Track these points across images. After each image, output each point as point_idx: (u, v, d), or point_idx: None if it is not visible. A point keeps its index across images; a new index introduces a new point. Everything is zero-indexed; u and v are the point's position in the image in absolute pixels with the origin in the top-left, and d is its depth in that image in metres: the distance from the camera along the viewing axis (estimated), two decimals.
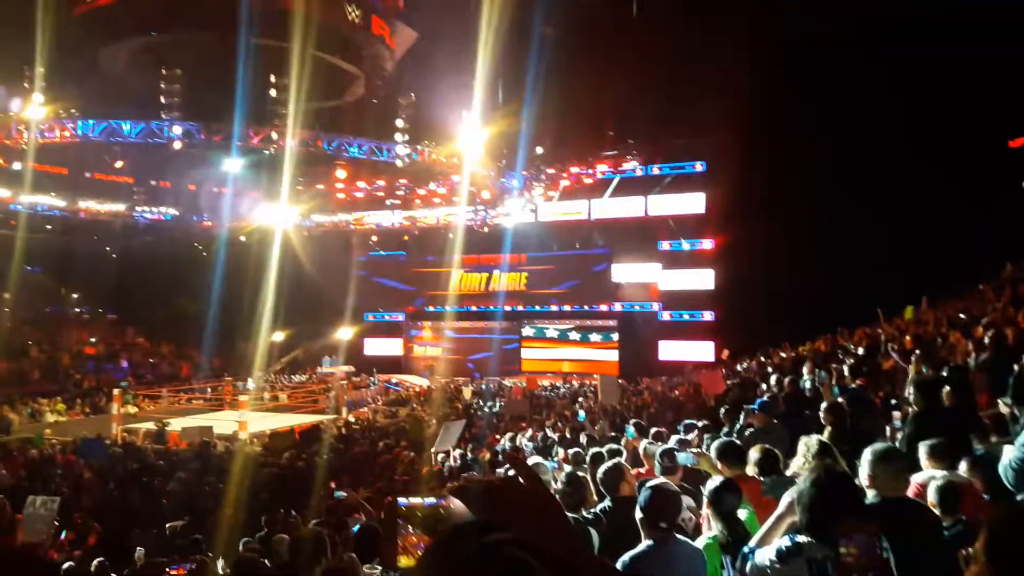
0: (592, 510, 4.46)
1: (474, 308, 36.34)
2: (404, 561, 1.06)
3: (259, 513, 9.41)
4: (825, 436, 5.64)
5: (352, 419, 21.59)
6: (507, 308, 36.20)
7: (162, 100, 19.02)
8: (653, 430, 9.91)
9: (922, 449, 4.14)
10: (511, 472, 1.00)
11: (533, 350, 36.01)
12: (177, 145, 19.02)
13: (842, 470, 4.48)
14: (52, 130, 19.93)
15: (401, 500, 1.13)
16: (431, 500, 1.10)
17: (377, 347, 37.92)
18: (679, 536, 3.47)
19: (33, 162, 22.26)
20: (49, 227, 29.15)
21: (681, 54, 27.08)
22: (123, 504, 10.85)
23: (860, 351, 12.44)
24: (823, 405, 6.96)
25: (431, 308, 37.75)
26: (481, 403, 23.64)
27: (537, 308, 35.91)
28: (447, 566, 0.79)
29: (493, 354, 35.74)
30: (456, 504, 1.00)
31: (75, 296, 34.82)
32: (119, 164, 20.96)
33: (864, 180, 23.92)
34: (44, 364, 28.02)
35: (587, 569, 0.90)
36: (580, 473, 5.08)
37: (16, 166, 23.05)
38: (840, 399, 7.68)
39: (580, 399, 22.22)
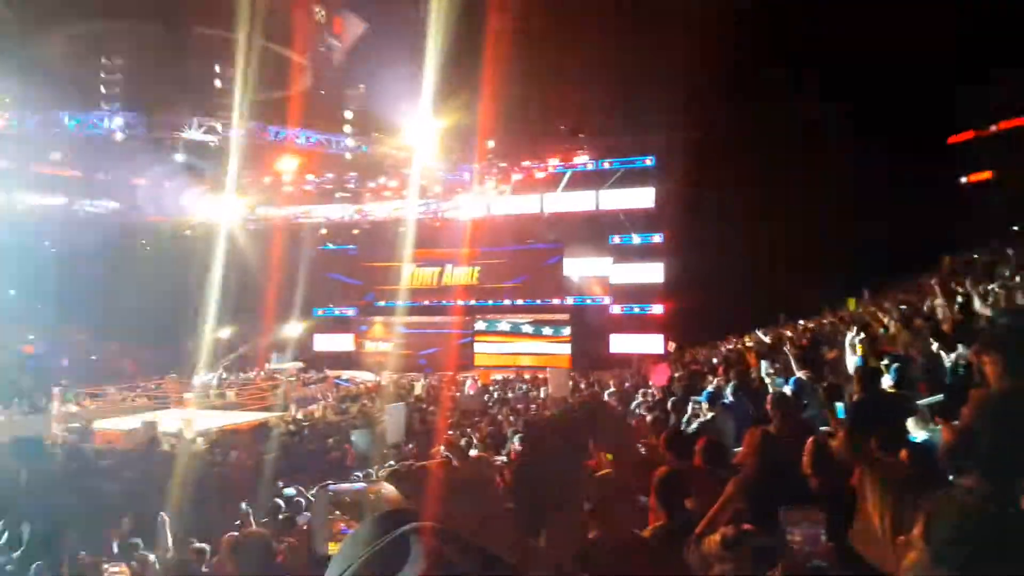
0: None
1: (426, 303, 36.10)
2: (332, 547, 1.03)
3: (207, 513, 9.22)
4: (771, 426, 5.74)
5: (300, 416, 21.30)
6: (459, 302, 36.09)
7: (102, 90, 18.48)
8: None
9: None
10: (447, 455, 0.98)
11: (486, 345, 35.94)
12: (119, 136, 18.49)
13: (786, 459, 4.56)
14: None
15: (331, 486, 1.10)
16: (360, 485, 1.07)
17: (327, 343, 37.44)
18: None
19: None
20: None
21: (629, 49, 27.30)
22: (61, 506, 10.51)
23: (804, 342, 12.70)
24: (769, 396, 7.09)
25: (382, 303, 37.40)
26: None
27: (490, 302, 35.84)
28: (364, 554, 0.76)
29: (445, 349, 35.61)
30: (387, 489, 0.97)
31: (12, 292, 33.59)
32: (56, 155, 20.31)
33: (810, 175, 24.46)
34: None
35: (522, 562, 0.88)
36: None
37: None
38: (786, 389, 7.82)
39: (532, 392, 22.31)
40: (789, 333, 15.96)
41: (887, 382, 5.87)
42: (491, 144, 28.29)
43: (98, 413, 22.07)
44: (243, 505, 7.47)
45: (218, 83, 18.45)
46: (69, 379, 26.27)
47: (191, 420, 18.88)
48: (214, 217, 25.62)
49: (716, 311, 24.02)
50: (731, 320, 21.52)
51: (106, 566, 3.21)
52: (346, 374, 32.25)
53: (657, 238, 32.54)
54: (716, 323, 22.82)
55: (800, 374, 8.92)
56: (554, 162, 31.53)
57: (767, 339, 16.76)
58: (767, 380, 9.26)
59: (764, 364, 10.92)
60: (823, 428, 5.41)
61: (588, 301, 34.14)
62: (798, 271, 22.87)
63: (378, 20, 27.60)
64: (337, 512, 1.07)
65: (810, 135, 24.04)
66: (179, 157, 20.63)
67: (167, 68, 21.17)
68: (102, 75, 18.75)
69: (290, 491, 7.72)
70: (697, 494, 4.23)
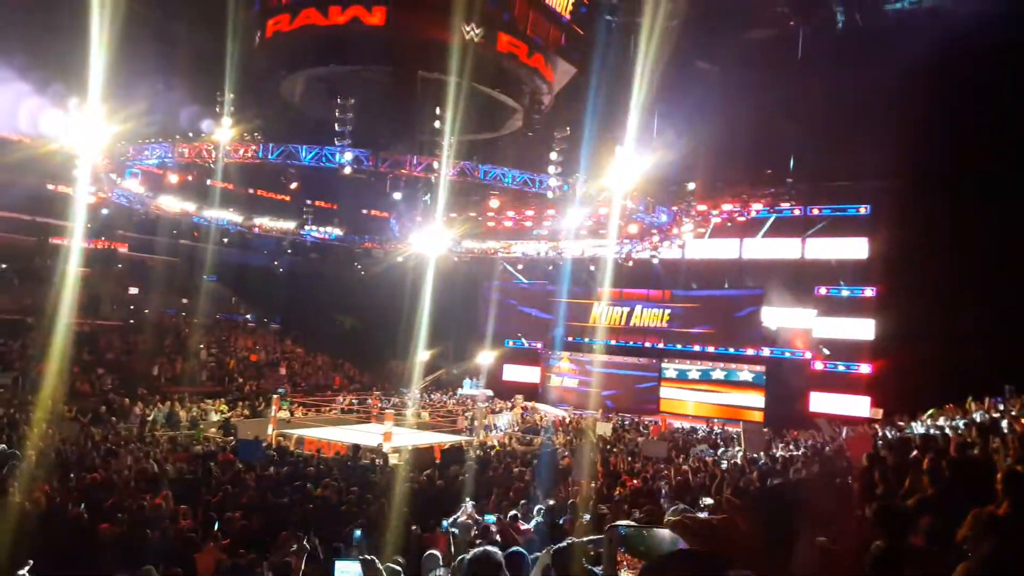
0: None
1: (613, 342, 35.97)
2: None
3: (400, 526, 9.71)
4: (1000, 509, 5.18)
5: (489, 443, 21.91)
6: (647, 345, 35.68)
7: (335, 127, 20.24)
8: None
9: None
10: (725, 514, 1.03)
11: (672, 390, 35.19)
12: (347, 170, 20.15)
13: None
14: (236, 151, 21.66)
15: (619, 527, 1.19)
16: (637, 526, 1.15)
17: (516, 373, 38.36)
18: None
19: (219, 180, 24.30)
20: (226, 240, 31.64)
21: (846, 93, 26.04)
22: (275, 505, 11.49)
23: None
24: (998, 475, 6.41)
25: (570, 339, 37.79)
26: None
27: (679, 347, 35.13)
28: None
29: (630, 391, 35.27)
30: (663, 534, 1.03)
31: (243, 305, 37.54)
32: (294, 185, 22.46)
33: None
34: (212, 367, 30.31)
35: None
36: None
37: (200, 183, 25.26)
38: (1019, 468, 7.02)
39: (720, 447, 21.56)
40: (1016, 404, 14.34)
41: None
42: (691, 187, 27.85)
43: (308, 422, 23.96)
44: (444, 523, 7.81)
45: (437, 124, 19.67)
46: (285, 388, 28.83)
47: (390, 436, 20.05)
48: (423, 247, 27.18)
49: (933, 375, 21.98)
50: (950, 387, 19.58)
51: (338, 563, 3.48)
52: (531, 406, 32.76)
53: (869, 292, 30.41)
54: (931, 389, 20.84)
55: None
56: (757, 207, 30.45)
57: (992, 412, 15.15)
58: (994, 456, 8.38)
59: (991, 438, 9.90)
60: None
61: (787, 354, 32.46)
62: None
63: (587, 64, 28.30)
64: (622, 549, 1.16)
65: None
66: (397, 194, 22.11)
67: (393, 109, 22.95)
68: (336, 114, 20.48)
69: (491, 517, 7.97)
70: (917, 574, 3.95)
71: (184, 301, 33.43)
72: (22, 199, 27.37)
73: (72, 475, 12.30)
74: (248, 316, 37.31)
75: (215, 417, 24.59)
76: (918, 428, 16.10)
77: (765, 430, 23.86)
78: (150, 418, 22.85)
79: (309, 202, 28.65)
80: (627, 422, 28.86)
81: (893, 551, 3.93)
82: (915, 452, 10.56)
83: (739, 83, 27.64)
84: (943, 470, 7.75)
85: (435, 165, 19.95)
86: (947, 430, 13.45)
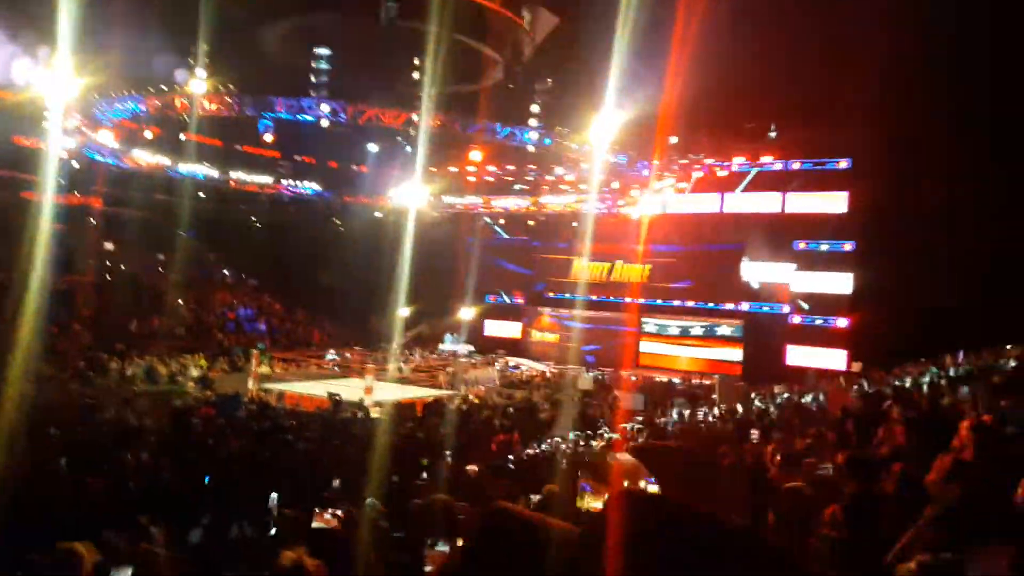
0: None
1: (594, 297, 36.05)
2: (579, 502, 1.10)
3: (378, 477, 9.77)
4: (965, 454, 5.28)
5: (471, 397, 22.04)
6: (627, 300, 35.78)
7: (312, 79, 19.91)
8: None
9: None
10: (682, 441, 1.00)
11: (652, 344, 35.48)
12: (324, 123, 19.85)
13: (987, 489, 4.20)
14: (211, 103, 21.23)
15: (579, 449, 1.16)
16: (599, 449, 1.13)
17: (497, 329, 38.44)
18: None
19: (192, 133, 23.84)
20: (202, 195, 31.14)
21: (831, 41, 25.77)
22: (255, 458, 11.51)
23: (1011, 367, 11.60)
24: (966, 423, 6.53)
25: (551, 294, 37.87)
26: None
27: (659, 302, 35.23)
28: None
29: (610, 345, 35.51)
30: (624, 457, 1.01)
31: (221, 261, 37.13)
32: (269, 138, 22.09)
33: None
34: (191, 323, 30.10)
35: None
36: None
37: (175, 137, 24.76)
38: (986, 418, 7.16)
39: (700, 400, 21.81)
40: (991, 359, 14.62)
41: None
42: (673, 140, 27.67)
43: (288, 376, 23.96)
44: (423, 475, 7.88)
45: (416, 75, 19.38)
46: (264, 343, 28.74)
47: (371, 387, 20.12)
48: (403, 202, 26.94)
49: (910, 330, 22.22)
50: (926, 342, 19.88)
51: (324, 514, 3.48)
52: (514, 360, 32.95)
53: (848, 246, 30.50)
54: (908, 343, 21.13)
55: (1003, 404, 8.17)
56: (739, 160, 30.35)
57: (965, 365, 15.45)
58: (965, 407, 8.56)
59: (962, 390, 10.12)
60: None
61: (765, 308, 32.72)
62: (1011, 293, 20.65)
63: (567, 13, 27.83)
64: (579, 472, 1.13)
65: None
66: (372, 145, 21.85)
67: (371, 60, 22.51)
68: (312, 64, 20.10)
69: (472, 468, 8.04)
70: (885, 518, 4.05)
71: (160, 256, 33.03)
72: None
73: (52, 431, 12.22)
74: (225, 271, 36.95)
75: (195, 372, 24.50)
76: (892, 381, 16.41)
77: (740, 383, 24.14)
78: (129, 373, 22.73)
79: (297, 157, 28.22)
80: (605, 376, 29.12)
81: (865, 495, 4.01)
82: (888, 403, 10.78)
83: (721, 32, 27.21)
84: (914, 421, 7.91)
85: (414, 117, 19.71)
86: (921, 383, 13.72)
